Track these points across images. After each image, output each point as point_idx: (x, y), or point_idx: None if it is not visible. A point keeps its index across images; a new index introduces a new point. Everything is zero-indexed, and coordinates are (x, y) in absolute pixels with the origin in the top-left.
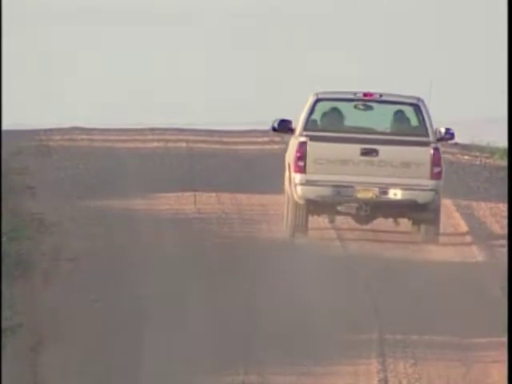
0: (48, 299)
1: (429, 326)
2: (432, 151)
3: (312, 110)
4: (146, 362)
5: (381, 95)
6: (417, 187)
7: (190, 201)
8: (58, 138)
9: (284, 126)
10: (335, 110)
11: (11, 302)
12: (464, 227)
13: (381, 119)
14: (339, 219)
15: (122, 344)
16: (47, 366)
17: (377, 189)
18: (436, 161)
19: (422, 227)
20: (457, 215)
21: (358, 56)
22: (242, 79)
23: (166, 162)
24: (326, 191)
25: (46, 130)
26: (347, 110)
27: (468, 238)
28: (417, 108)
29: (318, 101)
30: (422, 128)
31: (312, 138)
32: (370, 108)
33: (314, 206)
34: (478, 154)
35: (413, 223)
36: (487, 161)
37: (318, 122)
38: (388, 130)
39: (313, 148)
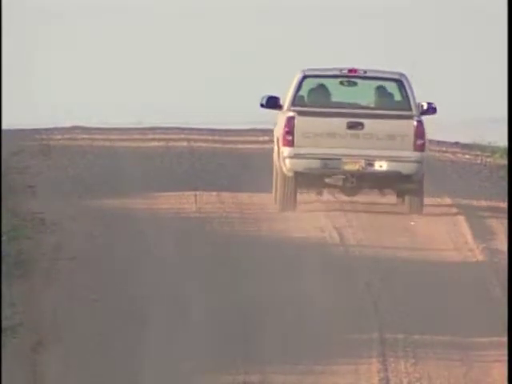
0: (48, 298)
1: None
2: (415, 124)
3: (299, 87)
4: (146, 361)
5: (365, 71)
6: (401, 159)
7: (190, 200)
8: (58, 137)
9: (272, 103)
10: (322, 86)
11: (11, 301)
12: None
13: (366, 94)
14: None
15: (122, 343)
16: (47, 365)
17: (363, 161)
18: (419, 133)
19: (407, 198)
20: (459, 216)
21: (358, 55)
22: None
23: (166, 161)
24: (313, 164)
25: (46, 130)
26: (333, 86)
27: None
28: (400, 83)
29: (304, 77)
30: (405, 102)
31: (300, 113)
32: (355, 84)
33: (302, 179)
34: (478, 153)
35: (398, 194)
36: (488, 160)
37: (305, 98)
38: (373, 105)
39: (300, 122)
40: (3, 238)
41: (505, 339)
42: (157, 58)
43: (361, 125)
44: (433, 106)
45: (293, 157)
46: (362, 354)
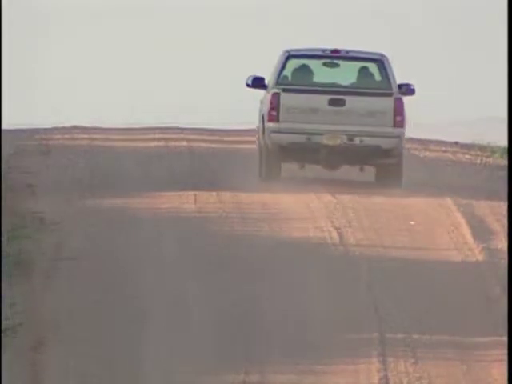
0: (48, 298)
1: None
2: (394, 101)
3: (283, 67)
4: (146, 361)
5: (347, 52)
6: (381, 134)
7: (190, 200)
8: (58, 136)
9: (257, 83)
10: (305, 66)
11: (11, 301)
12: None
13: (348, 74)
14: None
15: (123, 343)
16: (48, 365)
17: (344, 136)
18: (398, 110)
19: (385, 172)
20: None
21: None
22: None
23: (166, 161)
24: (297, 138)
25: (46, 129)
26: (316, 66)
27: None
28: (380, 64)
29: (288, 57)
30: (385, 81)
31: (284, 90)
32: (338, 65)
33: (286, 153)
34: (478, 152)
35: (377, 169)
36: (487, 159)
37: (289, 78)
38: (354, 84)
39: (285, 98)
40: (3, 238)
41: (505, 339)
42: (156, 57)
43: (342, 101)
44: (411, 87)
45: (277, 131)
46: (361, 354)
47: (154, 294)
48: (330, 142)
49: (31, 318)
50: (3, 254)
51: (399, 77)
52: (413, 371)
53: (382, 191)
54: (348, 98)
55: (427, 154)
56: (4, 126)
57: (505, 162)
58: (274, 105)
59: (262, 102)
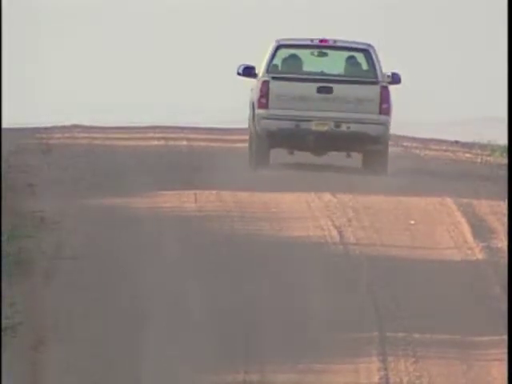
0: (49, 298)
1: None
2: (380, 89)
3: (273, 56)
4: (146, 360)
5: (335, 41)
6: (367, 121)
7: (190, 199)
8: (58, 136)
9: (248, 72)
10: (294, 56)
11: (11, 301)
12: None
13: (335, 63)
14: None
15: (123, 342)
16: (48, 364)
17: (332, 123)
18: (384, 98)
19: (372, 158)
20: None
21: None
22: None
23: (166, 160)
24: (286, 125)
25: (46, 129)
26: (305, 55)
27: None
28: (367, 53)
29: (278, 47)
30: (372, 70)
31: (274, 78)
32: (326, 54)
33: (275, 139)
34: (479, 151)
35: (364, 155)
36: (488, 158)
37: (279, 66)
38: (342, 72)
39: (274, 86)
40: (3, 237)
41: (505, 338)
42: (156, 57)
43: (330, 89)
44: (397, 75)
45: (267, 118)
46: (362, 353)
47: (154, 294)
48: (318, 129)
49: (31, 317)
50: (3, 253)
51: (401, 75)
52: (413, 370)
53: (382, 191)
54: (335, 86)
55: (428, 152)
56: (4, 125)
57: (505, 160)
58: (264, 92)
59: (252, 90)
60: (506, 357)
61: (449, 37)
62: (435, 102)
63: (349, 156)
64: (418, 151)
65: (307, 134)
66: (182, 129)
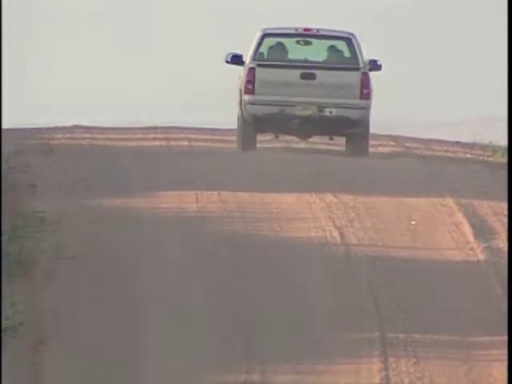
0: (49, 298)
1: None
2: (361, 75)
3: (259, 44)
4: (147, 360)
5: (318, 30)
6: (349, 106)
7: (191, 199)
8: (59, 136)
9: (236, 60)
10: (280, 44)
11: (12, 301)
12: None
13: (319, 51)
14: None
15: (123, 342)
16: (48, 365)
17: (315, 107)
18: (365, 83)
19: (353, 141)
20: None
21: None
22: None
23: (167, 161)
24: (271, 110)
25: (47, 129)
26: (290, 44)
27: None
28: (349, 41)
29: (264, 36)
30: (353, 57)
31: (259, 65)
32: (310, 43)
33: (261, 123)
34: (479, 152)
35: (347, 138)
36: (489, 159)
37: (265, 54)
38: (325, 59)
39: (260, 72)
40: (4, 237)
41: (505, 338)
42: (157, 57)
43: (313, 75)
44: (378, 63)
45: (253, 103)
46: (363, 354)
47: (155, 294)
48: (302, 113)
49: (31, 317)
50: (4, 253)
51: (399, 75)
52: (414, 371)
53: (381, 191)
54: (318, 72)
55: (429, 153)
56: (4, 125)
57: (506, 161)
58: (250, 78)
59: (239, 77)
60: (506, 357)
61: (448, 36)
62: (435, 102)
63: (331, 139)
64: (419, 152)
65: (292, 118)
66: (183, 129)
